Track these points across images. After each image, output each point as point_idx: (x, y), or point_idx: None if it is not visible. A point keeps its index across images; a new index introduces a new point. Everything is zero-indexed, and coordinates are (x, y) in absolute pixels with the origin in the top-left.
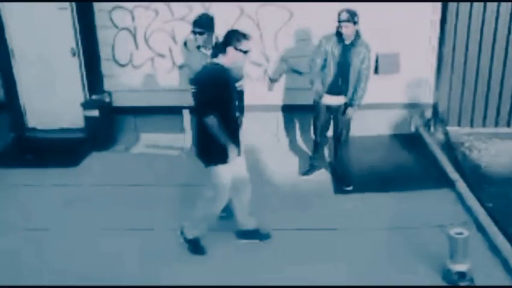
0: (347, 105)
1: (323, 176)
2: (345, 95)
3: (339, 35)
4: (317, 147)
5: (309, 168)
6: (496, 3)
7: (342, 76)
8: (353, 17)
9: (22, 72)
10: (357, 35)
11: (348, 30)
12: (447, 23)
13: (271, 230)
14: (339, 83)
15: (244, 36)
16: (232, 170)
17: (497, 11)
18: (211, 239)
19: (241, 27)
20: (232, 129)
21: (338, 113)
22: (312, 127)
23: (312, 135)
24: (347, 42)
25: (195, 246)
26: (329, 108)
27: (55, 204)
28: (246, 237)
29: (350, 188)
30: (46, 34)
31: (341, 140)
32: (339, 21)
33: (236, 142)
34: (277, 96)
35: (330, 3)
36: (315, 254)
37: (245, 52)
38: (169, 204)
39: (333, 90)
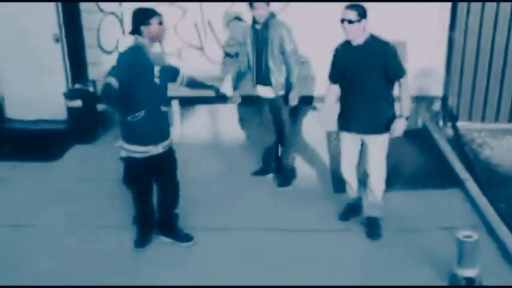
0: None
1: (321, 174)
2: (271, 85)
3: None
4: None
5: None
6: None
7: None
8: None
9: (1, 60)
10: (272, 15)
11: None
12: (458, 9)
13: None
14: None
15: None
16: None
17: None
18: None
19: (237, 12)
20: None
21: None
22: None
23: None
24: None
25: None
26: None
27: (34, 200)
28: None
29: (288, 188)
30: (27, 19)
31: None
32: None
33: None
34: None
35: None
36: (316, 255)
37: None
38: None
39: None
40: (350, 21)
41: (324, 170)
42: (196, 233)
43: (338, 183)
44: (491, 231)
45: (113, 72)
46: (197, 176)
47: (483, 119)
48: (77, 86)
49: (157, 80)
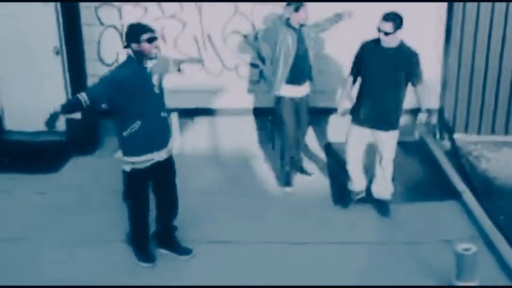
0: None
1: (321, 185)
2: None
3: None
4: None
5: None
6: (504, 3)
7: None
8: None
9: (1, 72)
10: None
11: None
12: (453, 22)
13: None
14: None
15: None
16: None
17: (506, 12)
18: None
19: (235, 26)
20: None
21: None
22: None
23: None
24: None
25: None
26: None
27: (33, 212)
28: None
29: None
30: (28, 32)
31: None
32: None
33: None
34: None
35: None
36: (316, 268)
37: None
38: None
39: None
40: (386, 33)
41: (323, 182)
42: (197, 245)
43: (338, 195)
44: (489, 243)
45: (93, 90)
46: (197, 187)
47: (479, 131)
48: None
49: (156, 88)
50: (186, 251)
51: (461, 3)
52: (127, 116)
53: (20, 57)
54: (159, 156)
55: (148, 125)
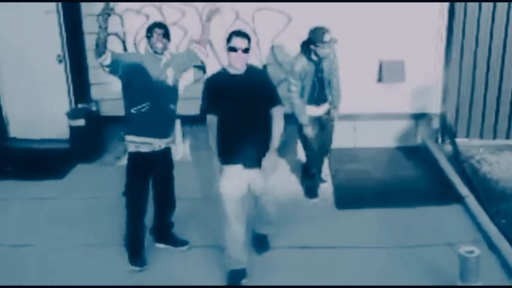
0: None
1: (324, 190)
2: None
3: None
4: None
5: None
6: (506, 5)
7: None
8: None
9: (5, 79)
10: None
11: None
12: (454, 27)
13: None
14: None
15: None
16: None
17: (508, 14)
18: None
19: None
20: None
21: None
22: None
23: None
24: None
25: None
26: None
27: (37, 219)
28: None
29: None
30: (32, 40)
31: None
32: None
33: None
34: None
35: (329, 4)
36: (314, 274)
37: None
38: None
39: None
40: (246, 50)
41: (326, 186)
42: (202, 250)
43: (341, 200)
44: (492, 246)
45: (114, 54)
46: (198, 193)
47: (481, 135)
48: (80, 105)
49: (168, 80)
50: (183, 243)
51: (462, 6)
52: (136, 96)
53: (24, 65)
54: (158, 144)
55: (154, 110)
